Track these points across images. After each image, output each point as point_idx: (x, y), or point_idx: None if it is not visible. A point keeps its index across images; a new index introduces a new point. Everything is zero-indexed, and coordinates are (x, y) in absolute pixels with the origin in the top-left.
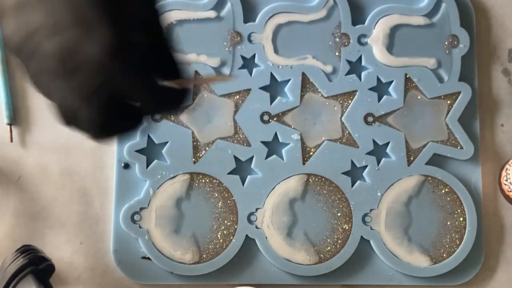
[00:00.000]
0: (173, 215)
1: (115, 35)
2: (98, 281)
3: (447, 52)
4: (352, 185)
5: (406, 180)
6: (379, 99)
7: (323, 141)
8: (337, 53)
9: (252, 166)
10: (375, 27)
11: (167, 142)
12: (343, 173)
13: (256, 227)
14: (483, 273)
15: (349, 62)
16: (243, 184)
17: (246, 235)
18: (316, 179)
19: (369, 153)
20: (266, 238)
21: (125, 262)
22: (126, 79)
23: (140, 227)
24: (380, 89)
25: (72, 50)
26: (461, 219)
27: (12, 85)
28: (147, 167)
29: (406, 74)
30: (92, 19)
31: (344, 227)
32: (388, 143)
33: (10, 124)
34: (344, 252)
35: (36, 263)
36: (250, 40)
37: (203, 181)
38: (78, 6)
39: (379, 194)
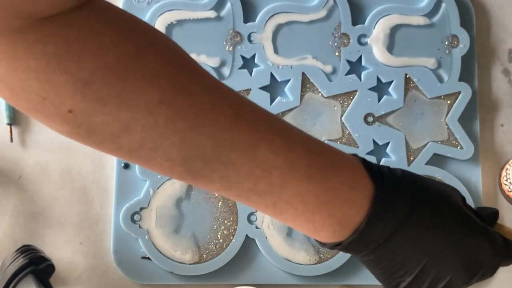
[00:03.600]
0: (173, 215)
1: (490, 239)
2: (98, 281)
3: (447, 52)
4: None
5: None
6: (379, 99)
7: (323, 141)
8: (337, 53)
9: None
10: (375, 27)
11: None
12: None
13: (256, 227)
14: None
15: (349, 62)
16: None
17: (246, 235)
18: None
19: (369, 153)
20: (266, 238)
21: (125, 262)
22: None
23: (140, 227)
24: (380, 89)
25: None
26: None
27: None
28: None
29: (406, 74)
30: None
31: None
32: (388, 143)
33: (10, 124)
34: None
35: (36, 263)
36: (250, 40)
37: None
38: None
39: None
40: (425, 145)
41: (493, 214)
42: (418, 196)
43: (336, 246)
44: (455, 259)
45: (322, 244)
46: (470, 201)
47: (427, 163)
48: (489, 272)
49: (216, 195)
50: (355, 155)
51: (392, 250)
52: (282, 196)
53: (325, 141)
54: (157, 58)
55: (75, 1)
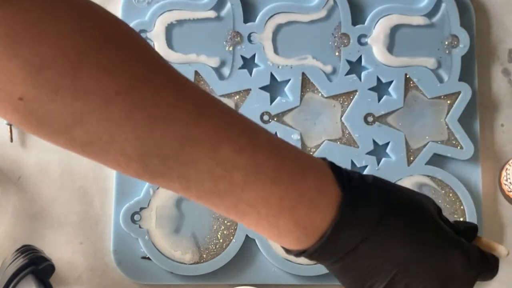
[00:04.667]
0: (173, 215)
1: (464, 251)
2: (98, 281)
3: (447, 52)
4: None
5: (406, 180)
6: (379, 99)
7: (323, 141)
8: (337, 53)
9: None
10: (375, 27)
11: None
12: None
13: None
14: None
15: (349, 62)
16: None
17: (246, 235)
18: None
19: (369, 153)
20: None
21: (125, 262)
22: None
23: (140, 227)
24: (380, 89)
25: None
26: (461, 219)
27: None
28: None
29: (406, 74)
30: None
31: None
32: (388, 143)
33: (10, 124)
34: None
35: (36, 263)
36: (250, 40)
37: None
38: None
39: None
40: (425, 145)
41: (471, 228)
42: (389, 204)
43: (302, 254)
44: (426, 271)
45: (287, 251)
46: (470, 201)
47: (427, 163)
48: (464, 286)
49: None
50: (324, 159)
51: (360, 260)
52: (244, 199)
53: (325, 141)
54: (116, 47)
55: None
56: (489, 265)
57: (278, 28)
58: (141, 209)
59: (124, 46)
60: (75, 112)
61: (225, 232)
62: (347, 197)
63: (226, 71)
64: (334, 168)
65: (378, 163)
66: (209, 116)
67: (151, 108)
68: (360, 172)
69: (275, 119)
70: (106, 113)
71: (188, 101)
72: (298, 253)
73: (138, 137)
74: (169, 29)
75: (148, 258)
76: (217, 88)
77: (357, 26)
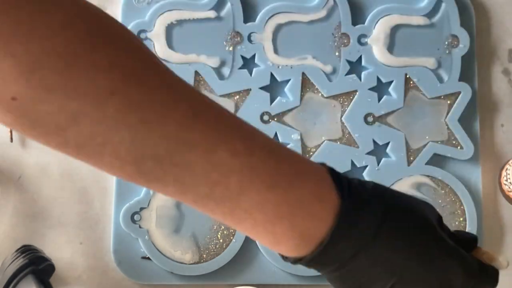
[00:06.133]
0: (173, 215)
1: (463, 262)
2: (98, 281)
3: (447, 52)
4: None
5: (406, 180)
6: (379, 99)
7: (323, 141)
8: (337, 53)
9: None
10: (375, 27)
11: None
12: (343, 173)
13: None
14: None
15: (349, 62)
16: None
17: (247, 236)
18: None
19: (369, 153)
20: None
21: (125, 262)
22: None
23: (140, 227)
24: (380, 89)
25: None
26: (461, 219)
27: None
28: None
29: (406, 74)
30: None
31: None
32: (388, 143)
33: None
34: None
35: (36, 263)
36: (250, 40)
37: None
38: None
39: None
40: (425, 145)
41: (472, 240)
42: (389, 213)
43: (299, 261)
44: (424, 282)
45: (284, 258)
46: (470, 201)
47: (427, 163)
48: None
49: None
50: (323, 165)
51: (358, 269)
52: (241, 204)
53: (325, 141)
54: (111, 46)
55: None
56: (488, 276)
57: (278, 28)
58: (141, 209)
59: (118, 45)
60: (69, 112)
61: (225, 232)
62: (346, 205)
63: (226, 71)
64: (333, 173)
65: (378, 163)
66: (205, 118)
67: (146, 109)
68: (359, 176)
69: (275, 119)
70: (100, 113)
71: (184, 102)
72: (295, 261)
73: (132, 139)
74: (169, 29)
75: (148, 258)
76: (217, 88)
77: (357, 26)
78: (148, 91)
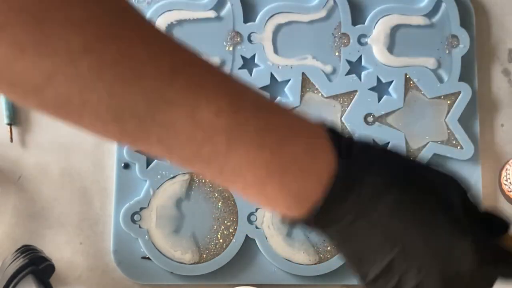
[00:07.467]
0: (173, 215)
1: (476, 244)
2: (98, 281)
3: (447, 52)
4: None
5: None
6: (379, 99)
7: None
8: (337, 53)
9: None
10: (375, 27)
11: None
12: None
13: (256, 227)
14: None
15: (349, 62)
16: None
17: (246, 235)
18: None
19: None
20: (266, 238)
21: (125, 262)
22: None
23: (140, 227)
24: (380, 89)
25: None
26: None
27: None
28: (147, 167)
29: (406, 74)
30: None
31: None
32: (388, 143)
33: (10, 124)
34: None
35: (36, 263)
36: (250, 40)
37: (203, 181)
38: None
39: None
40: (425, 145)
41: (504, 224)
42: (396, 180)
43: (296, 222)
44: (428, 260)
45: (282, 220)
46: None
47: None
48: (479, 284)
49: (216, 195)
50: (322, 123)
51: (358, 235)
52: (229, 164)
53: None
54: (84, 1)
55: None
56: (507, 267)
57: (278, 28)
58: (141, 209)
59: None
60: (43, 71)
61: (225, 232)
62: (345, 166)
63: (226, 71)
64: (333, 132)
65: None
66: (185, 74)
67: (121, 65)
68: (374, 139)
69: None
70: (74, 71)
71: (162, 57)
72: (292, 222)
73: (110, 98)
74: (169, 29)
75: (148, 258)
76: None
77: (357, 26)
78: (123, 46)
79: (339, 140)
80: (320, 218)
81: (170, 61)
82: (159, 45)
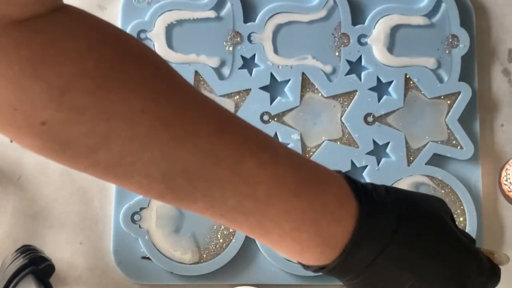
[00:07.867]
0: (173, 215)
1: (479, 259)
2: (98, 281)
3: (447, 52)
4: None
5: (406, 180)
6: (379, 99)
7: (323, 141)
8: (337, 53)
9: None
10: (375, 27)
11: None
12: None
13: None
14: None
15: (349, 62)
16: None
17: (246, 235)
18: None
19: (369, 153)
20: None
21: (125, 262)
22: None
23: (140, 227)
24: (380, 89)
25: None
26: (461, 219)
27: None
28: None
29: (406, 74)
30: None
31: None
32: (388, 143)
33: None
34: None
35: (36, 263)
36: (250, 40)
37: None
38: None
39: None
40: (425, 145)
41: (472, 239)
42: (404, 215)
43: (321, 269)
44: (440, 278)
45: (306, 267)
46: (470, 201)
47: (427, 163)
48: None
49: None
50: (339, 172)
51: (377, 273)
52: (268, 214)
53: (325, 141)
54: (138, 66)
55: (49, 5)
56: (495, 274)
57: (278, 28)
58: (141, 209)
59: (145, 64)
60: (100, 133)
61: (225, 232)
62: (365, 209)
63: (226, 71)
64: (349, 180)
65: (378, 163)
66: (231, 132)
67: (176, 125)
68: (359, 176)
69: (275, 119)
70: (131, 132)
71: (211, 117)
72: (317, 269)
73: (163, 156)
74: (169, 29)
75: (148, 258)
76: (217, 88)
77: (357, 26)
78: (177, 108)
79: (356, 185)
80: (346, 262)
81: (217, 120)
82: (206, 105)
